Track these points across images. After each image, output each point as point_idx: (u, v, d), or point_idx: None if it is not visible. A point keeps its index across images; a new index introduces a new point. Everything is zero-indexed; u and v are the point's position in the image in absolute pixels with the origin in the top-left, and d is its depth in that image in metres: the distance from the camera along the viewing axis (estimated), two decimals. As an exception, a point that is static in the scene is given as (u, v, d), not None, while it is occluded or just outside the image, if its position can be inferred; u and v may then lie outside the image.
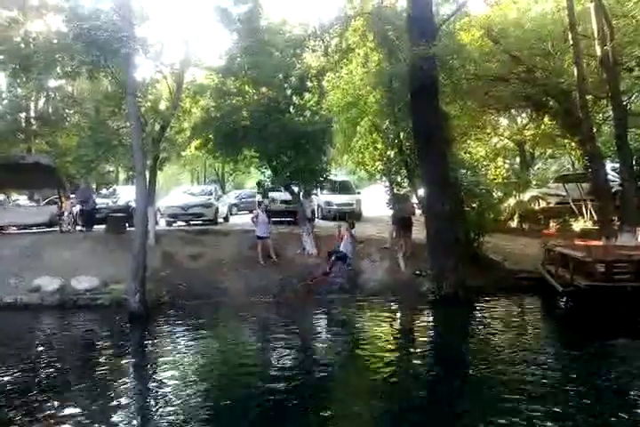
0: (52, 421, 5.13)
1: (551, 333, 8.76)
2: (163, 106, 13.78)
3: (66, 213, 13.82)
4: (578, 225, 15.22)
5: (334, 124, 13.65)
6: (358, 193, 19.50)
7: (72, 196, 14.64)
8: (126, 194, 15.82)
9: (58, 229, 13.93)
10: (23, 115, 20.51)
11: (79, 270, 11.24)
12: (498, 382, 5.99)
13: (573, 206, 15.74)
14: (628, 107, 14.41)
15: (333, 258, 11.17)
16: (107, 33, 9.23)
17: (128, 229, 13.24)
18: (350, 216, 17.43)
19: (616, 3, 13.26)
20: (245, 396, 5.82)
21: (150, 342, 8.49)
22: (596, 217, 14.16)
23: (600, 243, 10.78)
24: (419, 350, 7.96)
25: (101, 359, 7.33)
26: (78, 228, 14.14)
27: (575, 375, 6.32)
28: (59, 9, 11.90)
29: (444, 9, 15.06)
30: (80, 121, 18.57)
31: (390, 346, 8.08)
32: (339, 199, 17.91)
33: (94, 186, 23.01)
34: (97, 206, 14.62)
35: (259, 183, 17.25)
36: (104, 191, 18.43)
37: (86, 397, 5.83)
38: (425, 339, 8.67)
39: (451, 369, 6.70)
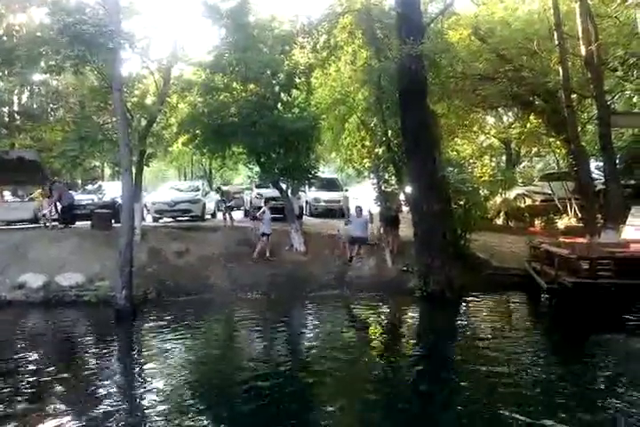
0: (39, 420, 5.08)
1: (535, 330, 8.87)
2: (149, 101, 13.65)
3: (45, 210, 13.55)
4: (562, 223, 15.41)
5: (322, 121, 13.65)
6: (346, 190, 19.54)
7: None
8: (112, 190, 15.64)
9: (42, 225, 13.75)
10: (6, 109, 20.20)
11: (65, 267, 11.13)
12: (479, 382, 6.03)
13: (558, 204, 15.92)
14: (613, 106, 14.61)
15: (357, 246, 11.99)
16: (93, 27, 9.11)
17: (114, 225, 13.13)
18: (337, 213, 17.53)
19: (601, 3, 13.42)
20: (233, 393, 5.82)
21: (137, 339, 8.45)
22: (580, 215, 14.35)
23: (584, 240, 10.92)
24: (404, 347, 8.02)
25: (87, 357, 7.27)
26: (55, 224, 13.86)
27: (557, 374, 6.37)
28: (42, 1, 11.67)
29: (432, 7, 15.17)
30: (65, 116, 18.35)
31: (376, 343, 8.14)
32: (326, 196, 17.94)
33: (79, 181, 22.79)
34: (74, 202, 14.40)
35: (218, 189, 17.25)
36: (89, 187, 18.18)
37: (73, 395, 5.79)
38: (411, 336, 8.75)
39: (434, 368, 6.74)
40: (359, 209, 12.56)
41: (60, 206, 13.92)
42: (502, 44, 13.45)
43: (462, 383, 6.06)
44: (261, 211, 12.86)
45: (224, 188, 19.05)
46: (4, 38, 12.15)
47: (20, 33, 12.44)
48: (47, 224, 13.50)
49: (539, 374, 6.24)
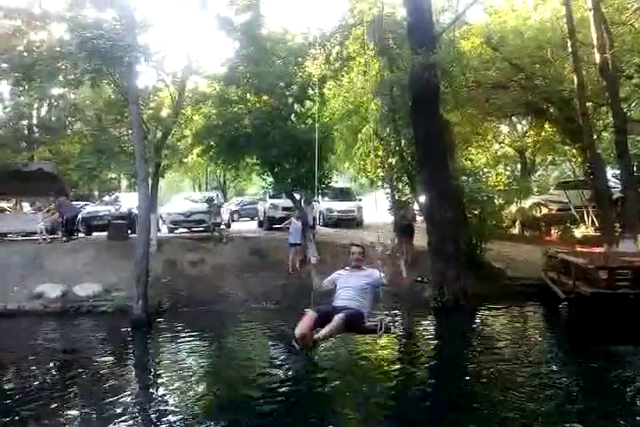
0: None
1: (553, 341, 8.71)
2: (165, 113, 13.86)
3: (40, 224, 13.44)
4: (579, 232, 15.21)
5: (335, 131, 13.72)
6: (359, 200, 19.54)
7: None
8: (128, 201, 15.86)
9: (59, 236, 13.88)
10: (25, 122, 20.63)
11: (82, 277, 11.27)
12: (498, 396, 5.87)
13: (575, 213, 15.73)
14: (628, 114, 14.46)
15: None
16: (109, 41, 9.31)
17: (130, 235, 13.28)
18: (351, 223, 17.50)
19: (615, 11, 13.36)
20: (249, 404, 5.80)
21: (152, 349, 8.48)
22: (597, 224, 14.16)
23: (602, 250, 10.77)
24: (419, 358, 7.90)
25: (103, 367, 7.29)
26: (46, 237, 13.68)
27: (579, 388, 6.22)
28: (62, 18, 11.99)
29: (444, 17, 15.23)
30: (82, 129, 18.68)
31: (391, 354, 8.05)
32: (340, 206, 17.95)
33: (96, 193, 23.12)
34: (76, 214, 14.46)
35: (209, 200, 16.77)
36: (106, 198, 18.46)
37: (88, 405, 5.82)
38: (426, 347, 8.63)
39: (451, 380, 6.64)
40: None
41: (62, 219, 13.85)
42: (515, 52, 13.44)
43: (478, 396, 5.95)
44: (287, 221, 12.83)
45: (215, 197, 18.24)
46: (25, 54, 12.42)
47: (41, 49, 12.71)
48: (44, 238, 13.37)
49: (558, 386, 6.11)
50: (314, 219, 14.86)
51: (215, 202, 15.77)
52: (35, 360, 7.56)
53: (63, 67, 10.86)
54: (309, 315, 4.86)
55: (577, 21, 12.58)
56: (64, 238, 13.60)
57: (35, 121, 21.12)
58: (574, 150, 15.42)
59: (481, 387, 6.21)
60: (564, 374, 6.67)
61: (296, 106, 12.95)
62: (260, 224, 18.58)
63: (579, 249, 10.95)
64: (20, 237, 14.88)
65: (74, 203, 16.18)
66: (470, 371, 6.97)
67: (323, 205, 17.84)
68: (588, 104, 13.10)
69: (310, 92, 13.15)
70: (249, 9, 12.49)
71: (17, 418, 5.30)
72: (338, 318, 4.63)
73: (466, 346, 8.32)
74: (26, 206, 18.61)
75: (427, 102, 10.85)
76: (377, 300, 5.44)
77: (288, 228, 12.67)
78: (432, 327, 9.97)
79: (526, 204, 17.23)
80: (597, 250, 10.63)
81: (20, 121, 19.81)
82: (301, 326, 4.80)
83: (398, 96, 12.45)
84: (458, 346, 8.39)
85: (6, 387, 6.27)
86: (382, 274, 5.19)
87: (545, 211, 17.38)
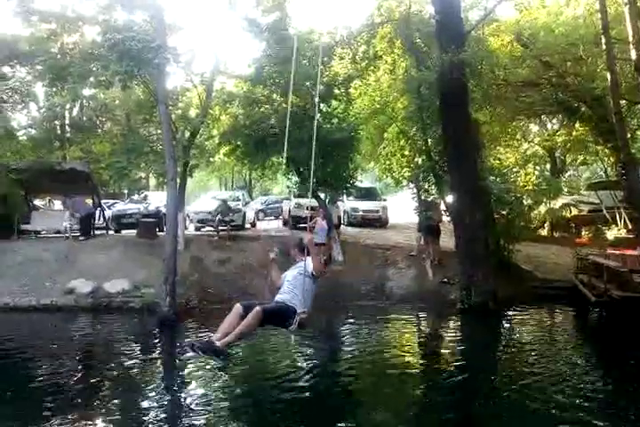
0: (83, 422, 5.24)
1: (584, 346, 8.52)
2: (193, 113, 14.05)
3: (66, 223, 13.73)
4: (611, 233, 14.81)
5: (361, 131, 13.67)
6: (384, 200, 19.45)
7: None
8: (157, 200, 16.15)
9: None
10: (58, 122, 21.22)
11: (112, 274, 11.51)
12: (525, 403, 5.70)
13: (607, 214, 15.33)
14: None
15: None
16: (140, 43, 9.47)
17: (159, 233, 13.51)
18: (376, 222, 17.44)
19: (651, 5, 12.95)
20: (274, 405, 5.84)
21: (179, 346, 8.61)
22: (630, 225, 13.77)
23: (635, 252, 10.46)
24: (445, 361, 7.82)
25: (131, 364, 7.43)
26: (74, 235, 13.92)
27: (611, 397, 6.02)
28: (94, 21, 12.28)
29: (473, 14, 15.02)
30: (112, 128, 19.09)
31: (416, 356, 8.00)
32: (364, 206, 17.90)
33: (126, 191, 23.62)
34: (91, 213, 14.54)
35: (223, 202, 16.19)
36: (136, 197, 18.84)
37: (114, 400, 5.94)
38: (452, 350, 8.53)
39: (476, 385, 6.52)
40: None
41: (77, 218, 13.98)
42: (546, 49, 13.13)
43: (505, 404, 5.83)
44: (313, 221, 12.79)
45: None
46: (59, 56, 12.75)
47: (74, 51, 13.04)
48: (67, 236, 13.72)
49: (588, 395, 5.93)
50: (339, 218, 14.84)
51: (228, 202, 15.50)
52: (64, 354, 7.78)
53: (95, 68, 11.09)
54: (235, 310, 4.30)
55: (611, 17, 12.22)
56: (81, 238, 13.74)
57: (67, 121, 21.69)
58: (607, 150, 15.01)
59: (508, 394, 6.07)
60: (595, 382, 6.49)
61: (322, 105, 12.96)
62: (285, 223, 18.67)
63: (611, 251, 10.65)
64: (52, 235, 15.26)
65: (103, 201, 16.48)
66: (497, 377, 6.85)
67: (347, 204, 17.81)
68: (622, 102, 12.72)
69: (336, 91, 13.15)
70: (276, 9, 12.56)
71: (44, 411, 5.43)
72: (254, 312, 4.12)
73: (493, 350, 8.21)
74: (57, 204, 19.09)
75: (455, 101, 10.74)
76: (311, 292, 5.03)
77: (313, 227, 12.67)
78: (459, 329, 9.86)
79: (556, 204, 16.88)
80: (630, 252, 10.33)
81: (53, 121, 20.37)
82: (224, 326, 4.22)
83: (426, 95, 12.34)
84: (484, 350, 8.28)
85: (35, 380, 6.42)
86: (308, 262, 4.77)
87: (575, 212, 17.00)
